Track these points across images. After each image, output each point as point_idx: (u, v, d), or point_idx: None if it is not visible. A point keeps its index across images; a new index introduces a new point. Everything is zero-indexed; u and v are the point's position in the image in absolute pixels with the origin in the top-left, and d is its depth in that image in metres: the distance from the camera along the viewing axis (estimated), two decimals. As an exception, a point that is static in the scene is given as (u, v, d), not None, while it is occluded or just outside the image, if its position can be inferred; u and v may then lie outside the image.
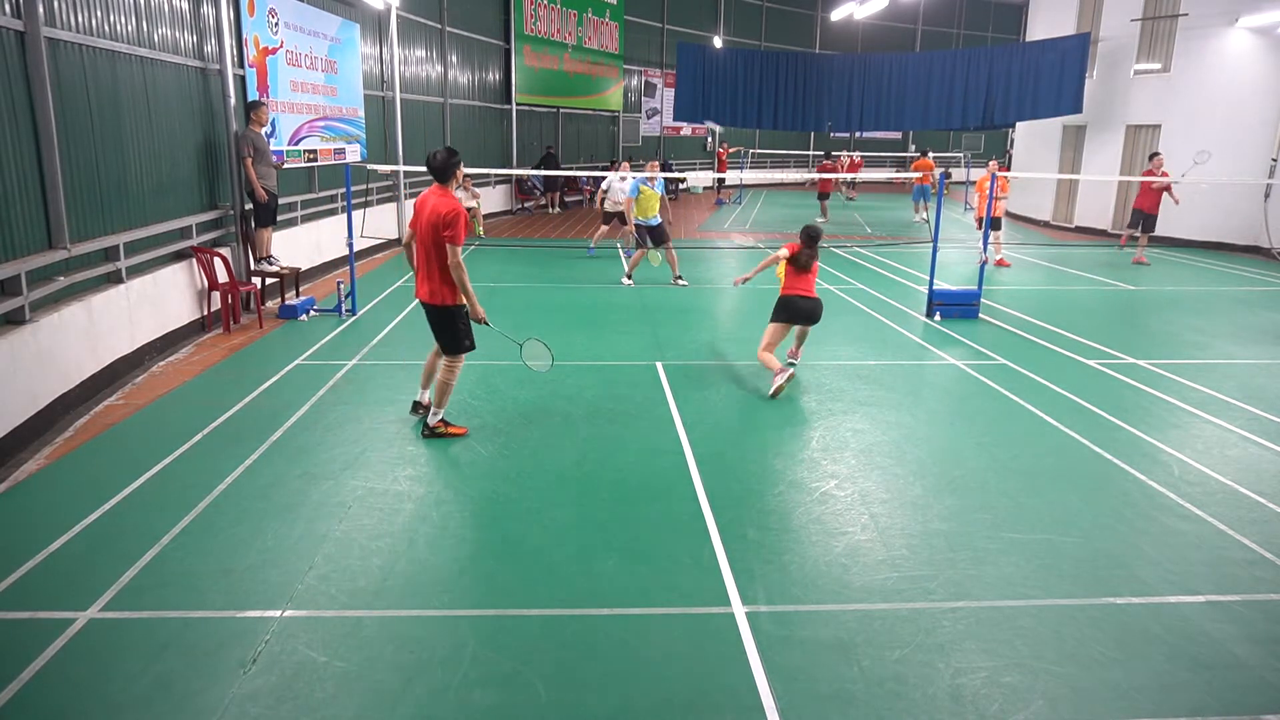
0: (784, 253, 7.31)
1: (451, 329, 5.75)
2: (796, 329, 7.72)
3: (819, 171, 22.62)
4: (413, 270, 5.98)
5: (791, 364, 7.72)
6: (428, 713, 3.17)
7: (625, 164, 14.41)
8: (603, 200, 14.48)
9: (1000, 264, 14.19)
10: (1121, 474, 5.51)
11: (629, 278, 12.22)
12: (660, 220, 12.27)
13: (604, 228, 14.57)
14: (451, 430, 5.91)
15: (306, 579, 4.05)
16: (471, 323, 5.83)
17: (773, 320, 7.38)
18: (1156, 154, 14.58)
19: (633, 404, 6.74)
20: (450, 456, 5.61)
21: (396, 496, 4.98)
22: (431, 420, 5.87)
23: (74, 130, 6.89)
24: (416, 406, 6.29)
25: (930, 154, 23.95)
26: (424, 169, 17.16)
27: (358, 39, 13.72)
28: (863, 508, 4.95)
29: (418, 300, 5.83)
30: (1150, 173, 14.16)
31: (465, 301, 5.71)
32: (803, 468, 5.56)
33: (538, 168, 21.78)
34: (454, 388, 5.94)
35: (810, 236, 7.35)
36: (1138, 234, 14.69)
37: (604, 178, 14.59)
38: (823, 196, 22.30)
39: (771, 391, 6.92)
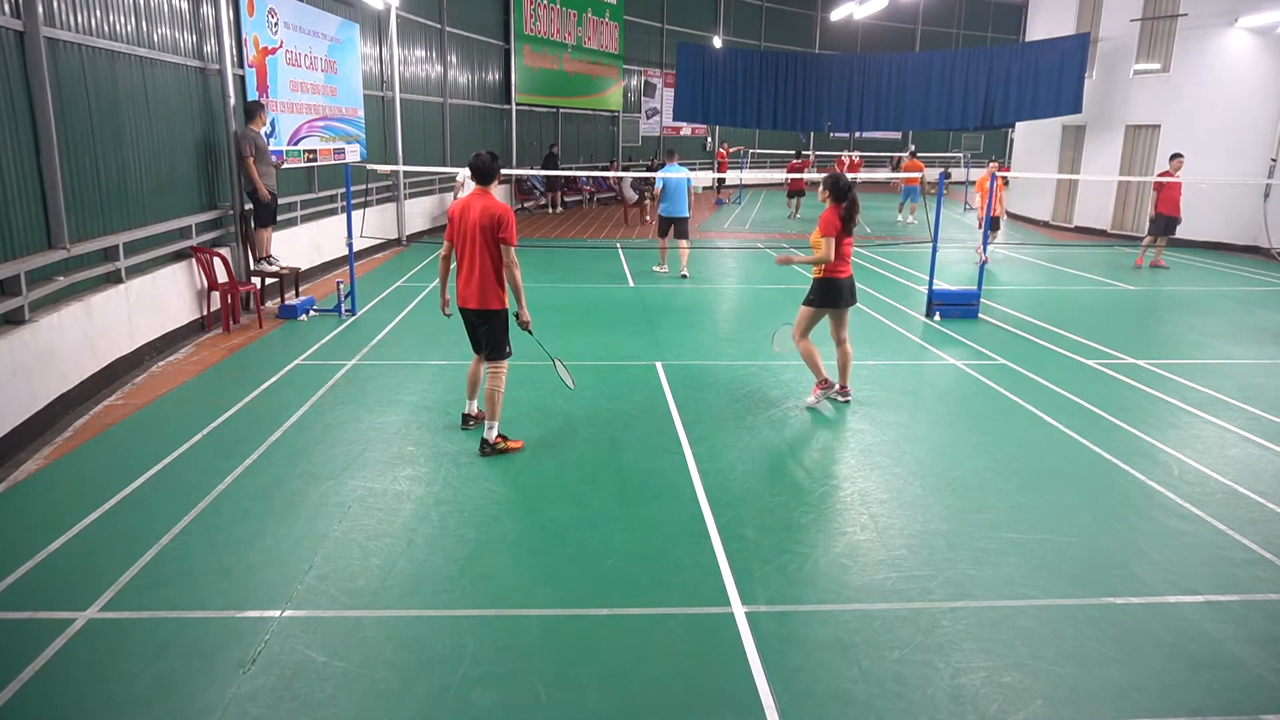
0: (826, 242, 6.28)
1: (499, 332, 5.63)
2: (831, 317, 6.68)
3: (788, 171, 22.71)
4: (439, 281, 5.81)
5: (845, 400, 6.80)
6: (428, 713, 3.17)
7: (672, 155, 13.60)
8: (458, 192, 14.69)
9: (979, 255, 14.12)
10: (1121, 474, 5.51)
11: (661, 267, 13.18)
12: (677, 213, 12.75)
13: None
14: (510, 445, 5.66)
15: (306, 579, 4.05)
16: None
17: (807, 304, 6.61)
18: (1178, 155, 14.01)
19: (633, 404, 6.74)
20: (450, 456, 5.60)
21: (396, 496, 4.98)
22: (489, 435, 5.59)
23: (74, 130, 6.89)
24: (467, 419, 6.05)
25: (913, 153, 23.87)
26: (423, 170, 17.20)
27: (357, 39, 13.72)
28: (862, 508, 4.95)
29: (460, 309, 5.65)
30: (1168, 173, 13.97)
31: (509, 305, 5.65)
32: (802, 468, 5.56)
33: (545, 167, 21.82)
34: (503, 396, 5.69)
35: (839, 187, 6.33)
36: (1160, 241, 14.31)
37: (606, 178, 14.66)
38: (794, 194, 22.40)
39: (807, 402, 6.72)
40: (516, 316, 5.66)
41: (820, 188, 6.55)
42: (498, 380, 5.64)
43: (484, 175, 5.52)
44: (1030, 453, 5.86)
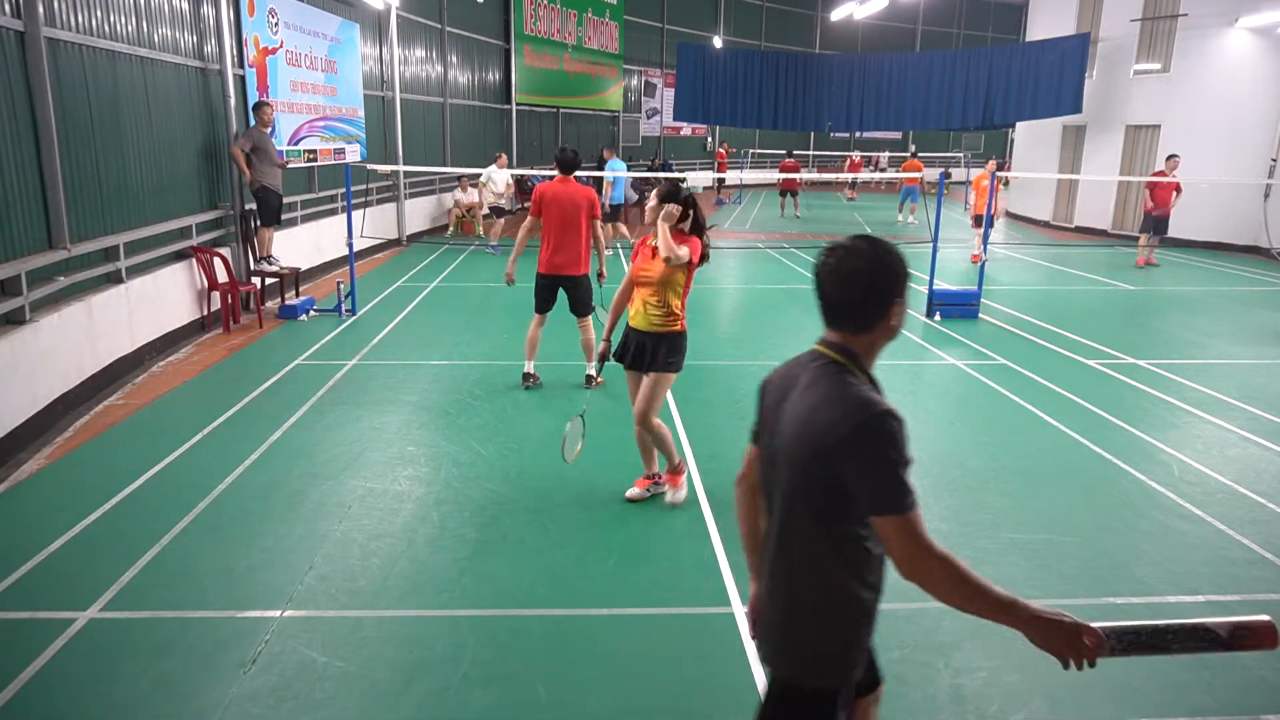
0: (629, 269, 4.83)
1: (587, 293, 6.92)
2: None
3: (781, 171, 22.69)
4: (516, 251, 6.86)
5: (654, 487, 4.99)
6: (428, 713, 3.17)
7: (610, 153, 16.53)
8: (482, 191, 16.08)
9: (975, 259, 14.18)
10: (1121, 474, 5.51)
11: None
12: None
13: (500, 221, 15.29)
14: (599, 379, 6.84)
15: (306, 579, 4.05)
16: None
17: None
18: (1174, 156, 14.27)
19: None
20: (450, 456, 5.61)
21: (396, 496, 4.98)
22: (597, 374, 6.40)
23: (74, 130, 6.89)
24: (527, 378, 7.05)
25: (914, 154, 23.84)
26: (423, 169, 17.50)
27: (357, 39, 13.72)
28: (863, 508, 4.93)
29: (545, 275, 6.76)
30: (1162, 173, 14.09)
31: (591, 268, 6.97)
32: (803, 468, 5.54)
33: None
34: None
35: (669, 193, 4.55)
36: (1155, 240, 14.53)
37: (602, 177, 15.15)
38: (786, 194, 22.38)
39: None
40: (599, 275, 7.11)
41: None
42: (589, 330, 6.91)
43: (568, 166, 6.74)
44: (1031, 453, 5.85)
